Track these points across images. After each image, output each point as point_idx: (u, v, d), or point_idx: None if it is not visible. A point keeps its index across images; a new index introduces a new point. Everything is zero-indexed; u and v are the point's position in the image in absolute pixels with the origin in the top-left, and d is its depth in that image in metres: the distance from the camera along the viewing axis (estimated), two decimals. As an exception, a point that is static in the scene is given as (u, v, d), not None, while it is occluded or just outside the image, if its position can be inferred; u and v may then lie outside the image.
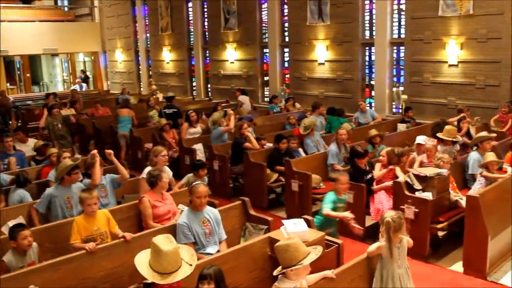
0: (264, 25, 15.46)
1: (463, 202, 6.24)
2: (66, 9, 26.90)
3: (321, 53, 13.44)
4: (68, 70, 27.42)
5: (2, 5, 22.49)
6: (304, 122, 9.23)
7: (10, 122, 15.98)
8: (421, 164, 7.08)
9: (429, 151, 7.18)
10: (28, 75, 25.34)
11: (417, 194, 6.17)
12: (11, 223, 5.66)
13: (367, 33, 12.75)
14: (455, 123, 8.91)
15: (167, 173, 6.71)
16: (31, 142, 9.47)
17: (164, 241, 3.66)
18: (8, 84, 26.06)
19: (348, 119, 11.13)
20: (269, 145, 9.28)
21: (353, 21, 12.66)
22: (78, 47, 23.86)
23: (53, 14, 25.37)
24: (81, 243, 4.88)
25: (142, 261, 3.68)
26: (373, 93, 12.75)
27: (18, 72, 27.15)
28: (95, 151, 6.26)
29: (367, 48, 12.84)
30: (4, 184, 6.90)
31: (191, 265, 3.69)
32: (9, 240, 4.71)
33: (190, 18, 18.27)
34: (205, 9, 17.60)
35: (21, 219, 5.90)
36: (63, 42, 22.45)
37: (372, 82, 12.78)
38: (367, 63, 12.95)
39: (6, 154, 8.20)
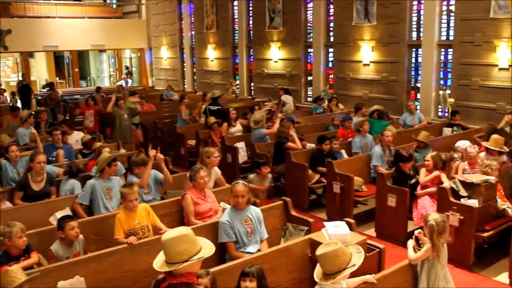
0: (309, 24, 15.37)
1: (510, 211, 6.06)
2: (114, 6, 27.48)
3: (366, 54, 13.27)
4: (115, 65, 28.01)
5: (54, 2, 23.23)
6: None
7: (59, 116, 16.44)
8: (464, 172, 6.87)
9: (472, 158, 6.91)
10: (76, 70, 26.02)
11: (463, 201, 6.02)
12: (58, 214, 5.87)
13: (414, 34, 12.49)
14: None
15: (216, 173, 6.79)
16: (76, 135, 9.74)
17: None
18: (57, 78, 26.92)
19: (392, 121, 10.97)
20: (311, 145, 9.25)
21: (400, 22, 12.44)
22: (125, 43, 24.33)
23: (101, 11, 25.98)
24: (124, 237, 5.00)
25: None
26: (418, 95, 12.49)
27: (67, 67, 27.96)
28: (153, 152, 6.40)
29: (413, 49, 12.59)
30: (54, 175, 7.12)
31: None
32: (57, 230, 4.85)
33: (235, 17, 18.35)
34: (250, 8, 17.65)
35: (67, 211, 6.10)
36: (110, 38, 22.94)
37: (418, 85, 12.52)
38: (413, 65, 12.69)
39: (54, 147, 8.44)
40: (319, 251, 3.71)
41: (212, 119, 10.53)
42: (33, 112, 10.27)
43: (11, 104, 14.10)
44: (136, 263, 4.75)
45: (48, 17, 22.58)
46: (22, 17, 21.82)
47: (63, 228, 4.78)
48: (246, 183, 5.27)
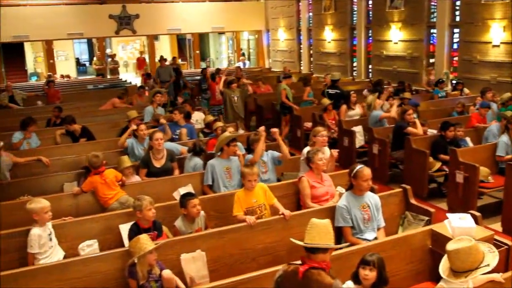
0: (432, 3, 14.56)
1: None
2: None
3: (497, 34, 12.31)
4: (233, 47, 28.68)
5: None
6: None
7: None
8: None
9: None
10: (197, 51, 27.02)
11: None
12: (182, 190, 6.20)
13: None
14: None
15: (326, 154, 6.72)
16: (196, 114, 10.15)
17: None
18: (179, 60, 28.16)
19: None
20: (432, 131, 8.85)
21: (538, -1, 11.39)
22: (243, 25, 24.78)
23: (222, -6, 26.62)
24: (242, 215, 5.15)
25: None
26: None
27: (189, 49, 29.13)
28: (262, 128, 6.49)
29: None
30: (177, 153, 7.49)
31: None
32: (180, 207, 5.11)
33: (355, -3, 17.95)
34: (371, -13, 17.15)
35: (190, 187, 6.41)
36: (229, 21, 23.47)
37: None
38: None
39: (177, 125, 8.85)
40: (451, 246, 3.55)
41: (326, 101, 10.46)
42: (159, 91, 10.81)
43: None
44: (255, 241, 4.90)
45: (173, 1, 23.62)
46: (149, 2, 23.02)
47: (186, 205, 5.02)
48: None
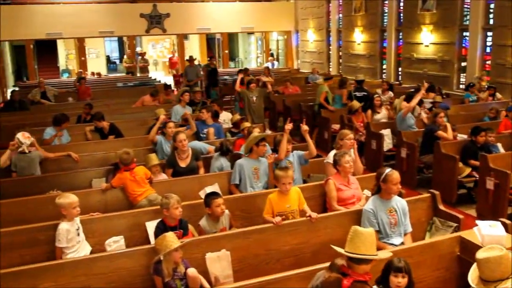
0: (466, 6, 14.33)
1: None
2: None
3: (531, 38, 12.06)
4: (262, 48, 28.69)
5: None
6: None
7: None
8: None
9: None
10: (226, 51, 27.12)
11: None
12: (208, 189, 6.22)
13: None
14: None
15: (352, 157, 6.66)
16: (224, 114, 10.18)
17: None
18: (208, 59, 28.30)
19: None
20: (462, 136, 8.70)
21: None
22: (272, 26, 24.75)
23: (251, -6, 26.69)
24: (272, 217, 5.11)
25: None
26: None
27: (218, 48, 29.26)
28: (288, 126, 6.35)
29: None
30: (204, 152, 7.53)
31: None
32: (204, 207, 5.12)
33: (385, -2, 17.77)
34: (402, -11, 16.94)
35: (216, 187, 6.43)
36: (259, 21, 23.48)
37: None
38: None
39: (205, 124, 8.89)
40: (481, 254, 3.47)
41: (356, 104, 10.37)
42: (187, 91, 10.88)
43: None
44: (281, 242, 4.89)
45: (203, 0, 23.76)
46: (179, 2, 23.21)
47: (210, 205, 5.03)
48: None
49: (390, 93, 12.43)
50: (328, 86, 11.84)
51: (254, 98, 11.07)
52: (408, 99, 9.66)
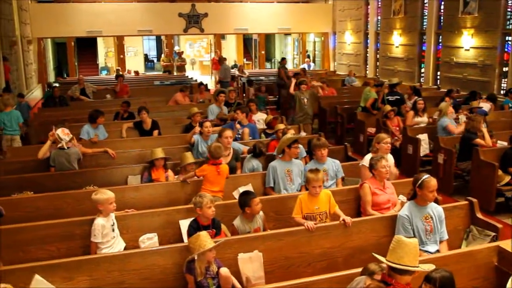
0: (509, 9, 13.96)
1: None
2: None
3: None
4: (298, 49, 28.61)
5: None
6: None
7: (244, 95, 17.39)
8: None
9: None
10: (262, 52, 27.16)
11: None
12: (241, 189, 6.23)
13: None
14: None
15: (389, 161, 6.58)
16: (259, 115, 10.18)
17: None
18: (244, 60, 28.42)
19: None
20: (502, 143, 8.48)
21: None
22: (310, 27, 24.67)
23: (289, -4, 26.65)
24: (301, 218, 5.12)
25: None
26: None
27: (254, 49, 29.33)
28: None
29: None
30: (239, 152, 7.54)
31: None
32: (243, 207, 5.10)
33: (425, 1, 17.43)
34: (443, -8, 16.62)
35: (250, 187, 6.43)
36: (296, 22, 23.47)
37: None
38: None
39: (240, 125, 8.91)
40: None
41: (388, 107, 10.24)
42: (222, 91, 10.94)
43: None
44: (313, 246, 4.86)
45: (241, 1, 23.85)
46: (217, 2, 23.36)
47: (250, 204, 5.04)
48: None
49: (417, 98, 12.14)
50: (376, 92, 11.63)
51: (306, 100, 11.12)
52: (456, 107, 9.52)
